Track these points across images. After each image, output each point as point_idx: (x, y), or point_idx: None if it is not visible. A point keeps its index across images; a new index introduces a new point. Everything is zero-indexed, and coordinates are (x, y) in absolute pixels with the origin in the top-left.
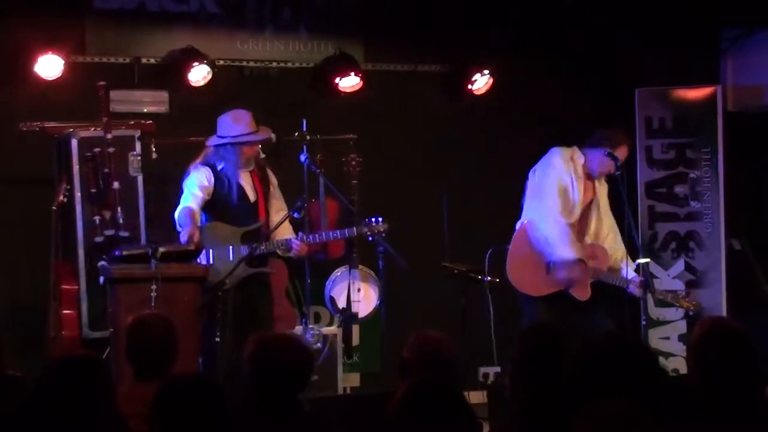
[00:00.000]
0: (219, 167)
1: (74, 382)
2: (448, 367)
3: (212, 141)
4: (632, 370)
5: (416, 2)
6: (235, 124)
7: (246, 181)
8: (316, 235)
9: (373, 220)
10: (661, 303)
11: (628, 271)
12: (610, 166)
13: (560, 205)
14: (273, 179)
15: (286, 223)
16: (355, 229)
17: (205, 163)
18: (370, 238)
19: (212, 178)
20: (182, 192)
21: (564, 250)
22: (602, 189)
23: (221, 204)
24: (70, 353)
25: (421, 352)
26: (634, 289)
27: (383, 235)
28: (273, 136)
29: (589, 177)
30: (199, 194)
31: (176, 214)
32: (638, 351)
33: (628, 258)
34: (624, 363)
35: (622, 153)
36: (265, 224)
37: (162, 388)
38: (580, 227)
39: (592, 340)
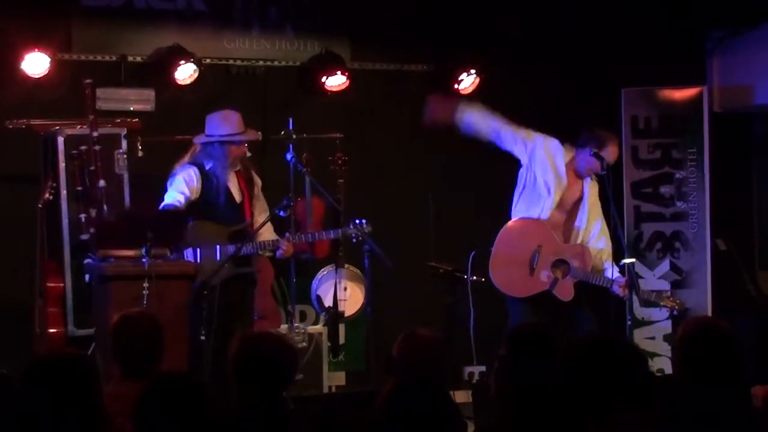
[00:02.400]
0: (207, 167)
1: (60, 379)
2: (436, 367)
3: (200, 139)
4: (623, 373)
5: (403, 1)
6: (224, 123)
7: (232, 182)
8: (303, 235)
9: (358, 222)
10: (646, 303)
11: (613, 271)
12: (596, 166)
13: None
14: (258, 181)
15: (269, 225)
16: (340, 230)
17: (193, 163)
18: (354, 240)
19: (199, 178)
20: (166, 190)
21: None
22: (592, 190)
23: (208, 203)
24: (55, 351)
25: (410, 351)
26: (618, 290)
27: (368, 237)
28: (259, 134)
29: (578, 175)
30: (186, 193)
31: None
32: (629, 354)
33: (612, 260)
34: (614, 366)
35: (610, 153)
36: (250, 224)
37: (147, 387)
38: (566, 226)
39: (582, 343)
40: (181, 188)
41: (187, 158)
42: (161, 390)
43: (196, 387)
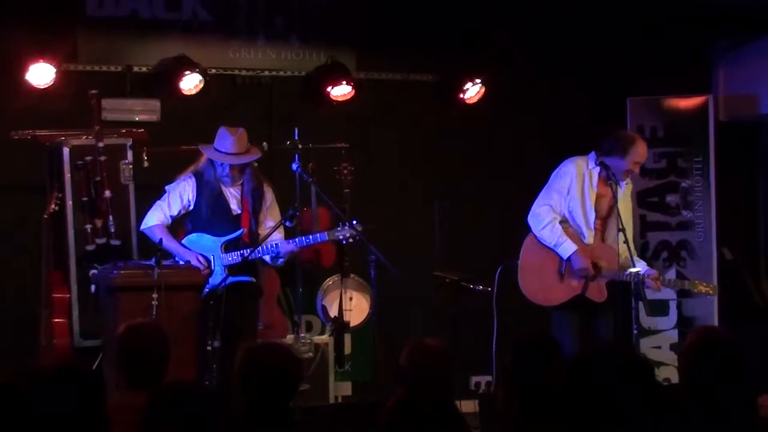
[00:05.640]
0: (207, 177)
1: (66, 390)
2: (444, 377)
3: (201, 148)
4: (630, 383)
5: (409, 11)
6: (219, 139)
7: (233, 194)
8: (296, 240)
9: (347, 223)
10: (681, 292)
11: (642, 265)
12: (630, 169)
13: (556, 203)
14: (268, 195)
15: (277, 235)
16: (326, 234)
17: (194, 172)
18: (344, 242)
19: (194, 190)
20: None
21: (562, 249)
22: (625, 190)
23: (201, 213)
24: (61, 362)
25: (418, 361)
26: (650, 283)
27: (357, 237)
28: (264, 144)
29: (606, 183)
30: (172, 212)
31: (151, 229)
32: (636, 365)
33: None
34: (621, 377)
35: (639, 152)
36: (246, 234)
37: (153, 396)
38: (603, 234)
39: (587, 353)
40: (172, 203)
41: (191, 168)
42: (167, 399)
43: (202, 396)
